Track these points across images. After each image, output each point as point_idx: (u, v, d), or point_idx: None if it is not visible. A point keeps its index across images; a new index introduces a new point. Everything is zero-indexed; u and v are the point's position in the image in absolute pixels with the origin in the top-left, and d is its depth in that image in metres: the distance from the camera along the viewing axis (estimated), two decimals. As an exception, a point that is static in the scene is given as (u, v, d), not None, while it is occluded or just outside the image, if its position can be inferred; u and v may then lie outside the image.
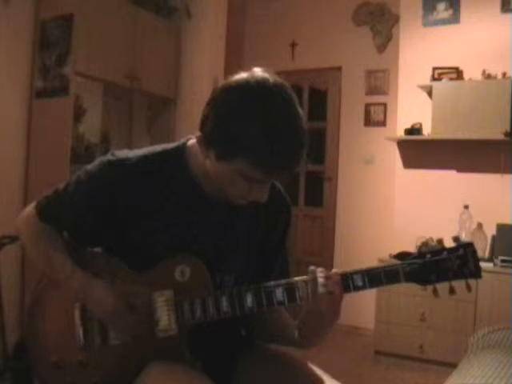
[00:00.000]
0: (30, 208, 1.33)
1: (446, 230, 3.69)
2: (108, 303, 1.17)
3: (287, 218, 1.36)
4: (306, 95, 5.04)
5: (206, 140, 1.11)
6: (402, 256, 1.15)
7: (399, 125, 4.13)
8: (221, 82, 1.13)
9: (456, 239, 1.15)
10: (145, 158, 1.22)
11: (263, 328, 1.33)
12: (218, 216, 1.24)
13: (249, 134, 1.03)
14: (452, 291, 1.13)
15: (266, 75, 1.09)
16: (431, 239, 3.51)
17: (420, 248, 1.16)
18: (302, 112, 1.10)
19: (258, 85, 1.06)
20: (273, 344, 1.35)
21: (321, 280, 1.12)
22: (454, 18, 3.98)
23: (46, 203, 1.30)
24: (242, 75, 1.09)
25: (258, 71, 1.10)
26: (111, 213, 1.20)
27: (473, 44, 3.89)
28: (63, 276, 1.23)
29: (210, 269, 1.19)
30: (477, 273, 1.12)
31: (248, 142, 1.04)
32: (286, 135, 1.05)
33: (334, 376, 1.26)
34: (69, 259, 1.24)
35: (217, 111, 1.08)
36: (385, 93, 4.62)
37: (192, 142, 1.24)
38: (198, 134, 1.13)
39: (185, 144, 1.25)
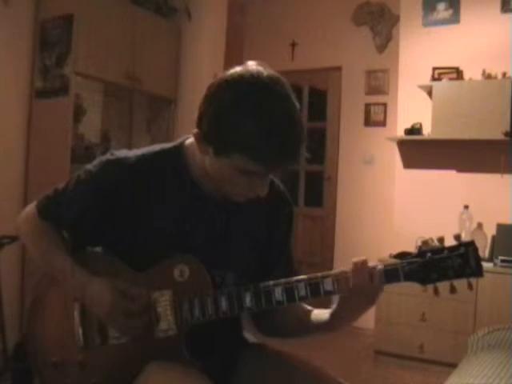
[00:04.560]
0: (31, 207, 1.33)
1: (446, 230, 3.67)
2: (106, 303, 1.16)
3: (289, 215, 1.36)
4: (305, 95, 5.04)
5: (203, 136, 1.11)
6: (402, 256, 1.15)
7: (399, 125, 4.13)
8: (216, 78, 1.13)
9: (457, 237, 1.14)
10: (143, 158, 1.22)
11: (284, 321, 1.30)
12: (217, 215, 1.24)
13: (245, 128, 1.03)
14: (453, 290, 1.13)
15: (261, 68, 1.08)
16: (431, 239, 3.51)
17: (420, 247, 1.16)
18: (298, 105, 1.09)
19: (253, 78, 1.06)
20: (291, 338, 1.32)
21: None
22: (454, 18, 3.98)
23: (47, 202, 1.30)
24: (236, 69, 1.09)
25: (252, 65, 1.10)
26: (110, 212, 1.20)
27: (473, 44, 3.89)
28: (63, 273, 1.23)
29: (210, 268, 1.19)
30: (478, 271, 1.12)
31: (245, 136, 1.03)
32: (283, 127, 1.04)
33: (334, 375, 1.26)
34: (69, 257, 1.24)
35: (213, 107, 1.08)
36: (385, 93, 4.63)
37: (190, 141, 1.24)
38: (196, 130, 1.13)
39: (182, 143, 1.25)
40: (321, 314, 1.23)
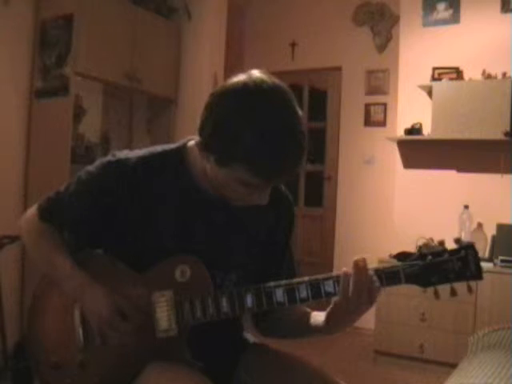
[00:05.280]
0: (33, 209, 1.33)
1: (446, 230, 3.71)
2: (102, 310, 1.16)
3: (290, 215, 1.36)
4: (306, 95, 5.04)
5: (204, 145, 1.10)
6: (402, 256, 1.15)
7: (399, 125, 4.13)
8: (218, 86, 1.12)
9: (457, 241, 1.14)
10: (145, 159, 1.22)
11: (283, 321, 1.31)
12: (218, 216, 1.24)
13: (247, 140, 1.02)
14: (453, 293, 1.13)
15: (264, 77, 1.07)
16: (431, 239, 3.50)
17: (420, 248, 1.15)
18: (302, 114, 1.08)
19: (256, 88, 1.04)
20: (289, 338, 1.32)
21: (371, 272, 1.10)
22: (454, 18, 3.98)
23: (48, 204, 1.30)
24: (240, 78, 1.07)
25: (255, 73, 1.08)
26: (111, 213, 1.20)
27: (473, 44, 3.89)
28: (62, 276, 1.23)
29: (211, 269, 1.19)
30: (478, 274, 1.12)
31: (246, 148, 1.02)
32: (285, 141, 1.03)
33: (334, 376, 1.26)
34: (69, 259, 1.24)
35: (214, 116, 1.07)
36: (385, 93, 4.62)
37: (192, 143, 1.24)
38: (198, 138, 1.13)
39: (185, 145, 1.25)
40: (319, 315, 1.22)
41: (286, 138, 1.03)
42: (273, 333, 1.35)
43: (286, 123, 1.04)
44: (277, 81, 1.08)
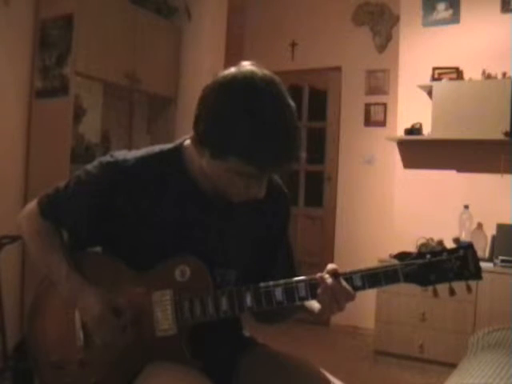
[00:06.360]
0: (32, 205, 1.34)
1: (446, 230, 3.71)
2: (94, 315, 1.18)
3: (286, 209, 1.36)
4: (306, 95, 5.04)
5: (199, 140, 1.11)
6: (402, 256, 1.15)
7: (399, 125, 4.14)
8: (210, 80, 1.13)
9: (456, 240, 1.15)
10: (142, 160, 1.22)
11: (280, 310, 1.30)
12: (216, 214, 1.24)
13: (239, 131, 1.03)
14: (452, 292, 1.13)
15: (255, 69, 1.08)
16: (431, 239, 3.51)
17: (420, 248, 1.16)
18: (294, 104, 1.09)
19: (246, 80, 1.06)
20: (286, 319, 1.35)
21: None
22: (454, 18, 3.98)
23: (48, 202, 1.31)
24: (230, 71, 1.09)
25: (245, 65, 1.10)
26: (110, 214, 1.21)
27: (473, 44, 3.89)
28: (58, 277, 1.25)
29: (211, 267, 1.20)
30: (477, 274, 1.13)
31: (239, 139, 1.04)
32: (276, 130, 1.04)
33: (334, 376, 1.26)
34: (65, 260, 1.25)
35: (207, 110, 1.09)
36: (385, 93, 4.62)
37: (188, 142, 1.24)
38: (192, 133, 1.13)
39: (181, 144, 1.26)
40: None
41: (278, 128, 1.04)
42: (269, 319, 1.35)
43: (277, 114, 1.05)
44: (268, 72, 1.09)
